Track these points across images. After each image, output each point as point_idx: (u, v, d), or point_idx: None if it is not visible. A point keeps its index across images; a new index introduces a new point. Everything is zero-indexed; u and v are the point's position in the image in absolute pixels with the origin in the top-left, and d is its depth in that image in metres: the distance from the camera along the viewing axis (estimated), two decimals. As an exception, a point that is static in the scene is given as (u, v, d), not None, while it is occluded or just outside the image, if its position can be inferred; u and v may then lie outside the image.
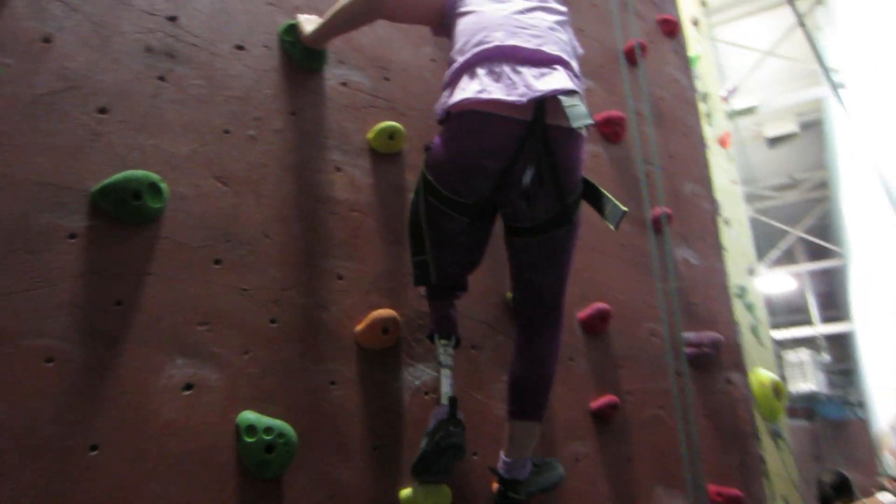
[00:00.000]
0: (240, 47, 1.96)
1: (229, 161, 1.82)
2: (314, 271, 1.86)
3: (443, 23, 1.89)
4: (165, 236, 1.65)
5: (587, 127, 1.63)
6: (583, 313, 2.36)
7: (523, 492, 1.80)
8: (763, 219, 14.49)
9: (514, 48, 1.66)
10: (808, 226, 14.57)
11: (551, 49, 1.69)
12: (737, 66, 10.58)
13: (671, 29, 3.42)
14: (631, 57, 3.01)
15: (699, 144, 3.21)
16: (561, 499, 2.09)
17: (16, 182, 1.49)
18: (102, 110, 1.66)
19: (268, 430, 1.59)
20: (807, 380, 12.61)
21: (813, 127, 12.78)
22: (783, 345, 13.34)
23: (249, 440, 1.57)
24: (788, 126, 12.00)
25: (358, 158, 2.08)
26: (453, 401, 1.70)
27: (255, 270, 1.76)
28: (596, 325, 2.35)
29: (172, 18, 1.86)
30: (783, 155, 13.25)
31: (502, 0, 1.78)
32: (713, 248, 2.97)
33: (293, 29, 2.05)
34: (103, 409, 1.45)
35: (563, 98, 1.58)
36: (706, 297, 2.81)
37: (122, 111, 1.69)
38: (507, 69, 1.63)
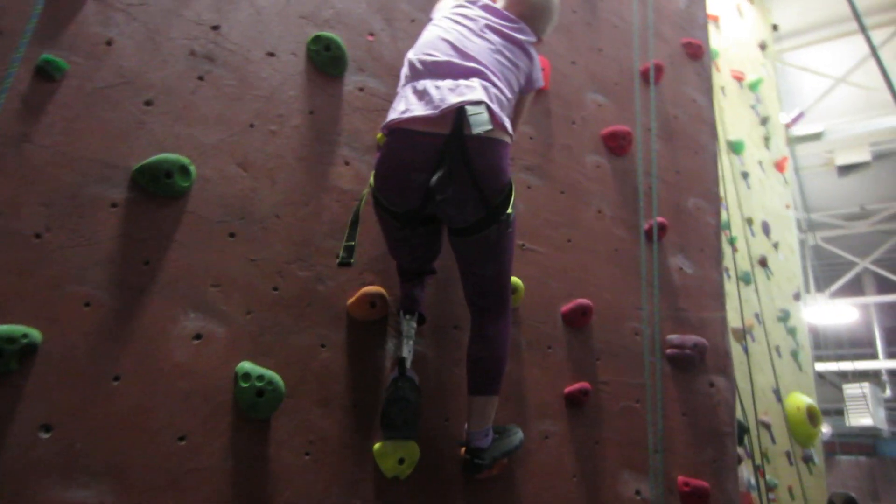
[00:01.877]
0: (271, 54, 2.27)
1: (251, 151, 2.13)
2: (315, 249, 2.15)
3: None
4: (190, 210, 1.97)
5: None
6: (565, 307, 2.56)
7: (487, 457, 2.04)
8: (828, 247, 14.01)
9: (435, 63, 1.87)
10: (878, 258, 14.00)
11: (472, 63, 1.87)
12: (806, 92, 10.34)
13: (695, 52, 3.56)
14: (646, 76, 3.18)
15: (711, 162, 3.34)
16: (528, 471, 2.31)
17: (74, 158, 1.84)
18: (148, 102, 2.00)
19: (260, 377, 1.88)
20: (867, 415, 12.10)
21: (887, 157, 12.30)
22: (844, 377, 12.86)
23: (244, 385, 1.87)
24: (860, 155, 11.59)
25: (366, 155, 2.36)
26: (402, 360, 1.98)
27: (264, 245, 2.06)
28: (577, 319, 2.55)
29: (215, 27, 2.19)
30: (854, 184, 12.79)
31: (457, 20, 2.02)
32: (712, 260, 3.11)
33: (319, 39, 2.34)
34: (126, 348, 1.78)
35: (468, 108, 1.74)
36: (698, 304, 2.95)
37: (164, 104, 2.02)
38: (428, 84, 1.84)
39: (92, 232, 1.81)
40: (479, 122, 1.72)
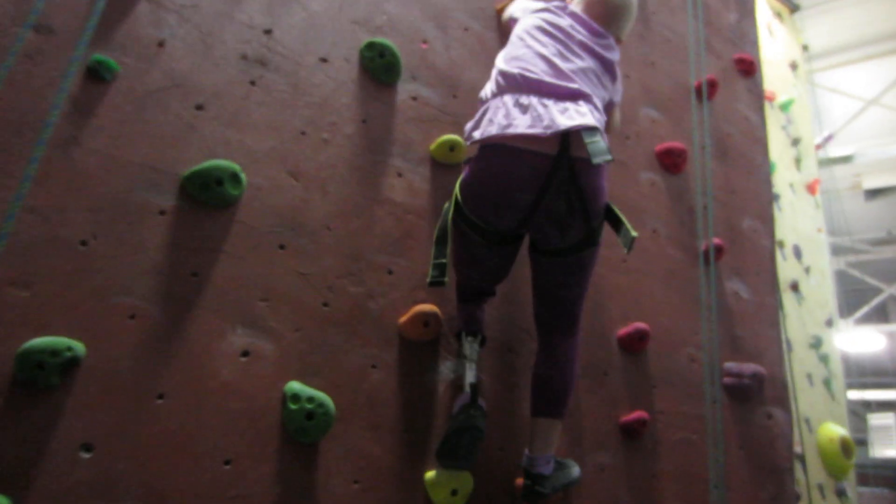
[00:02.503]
0: (323, 59, 2.19)
1: (302, 159, 2.04)
2: (367, 264, 2.05)
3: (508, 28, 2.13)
4: (239, 220, 1.88)
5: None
6: (622, 331, 2.44)
7: (548, 486, 1.91)
8: (855, 273, 13.75)
9: (538, 81, 1.80)
10: (904, 284, 13.72)
11: (576, 84, 1.81)
12: (837, 114, 10.19)
13: (747, 68, 3.44)
14: (699, 92, 3.07)
15: (765, 182, 3.21)
16: (583, 503, 2.17)
17: (123, 163, 1.76)
18: (199, 107, 1.91)
19: (310, 399, 1.77)
20: (892, 446, 11.79)
21: (917, 183, 12.10)
22: (869, 406, 12.56)
23: (293, 407, 1.76)
24: (889, 179, 11.42)
25: (419, 166, 2.26)
26: (474, 387, 1.86)
27: (315, 258, 1.96)
28: (633, 344, 2.43)
29: (268, 31, 2.11)
30: (882, 208, 12.57)
31: (552, 34, 1.94)
32: (767, 285, 2.97)
33: (373, 45, 2.25)
34: (172, 364, 1.68)
35: (584, 134, 1.70)
36: (753, 331, 2.81)
37: (215, 108, 1.94)
38: (534, 101, 1.77)
39: (139, 240, 1.72)
40: (599, 151, 1.66)
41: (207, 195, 1.82)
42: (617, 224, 1.88)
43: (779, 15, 7.21)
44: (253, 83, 2.03)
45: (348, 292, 1.99)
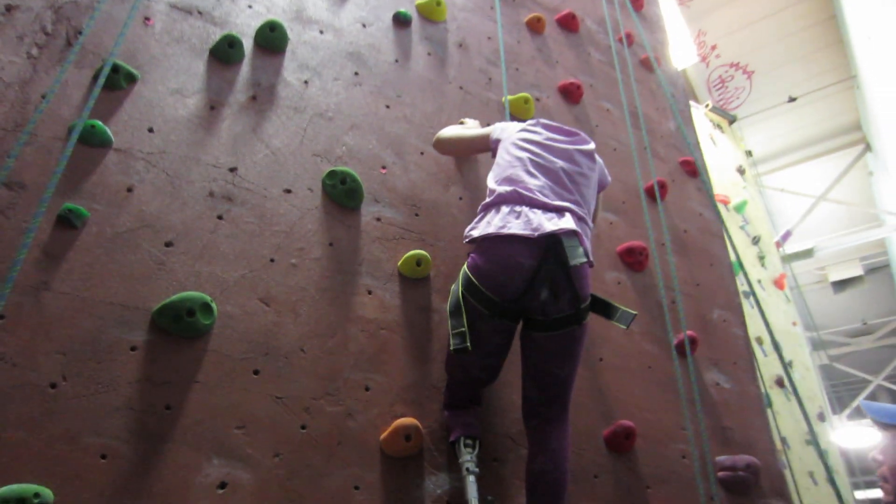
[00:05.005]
0: (288, 190, 2.29)
1: (272, 285, 2.08)
2: (344, 382, 2.04)
3: (493, 151, 2.37)
4: (212, 349, 1.88)
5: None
6: (607, 431, 2.40)
7: None
8: (837, 366, 13.79)
9: (532, 199, 2.05)
10: (890, 374, 13.76)
11: (563, 201, 2.08)
12: (791, 212, 10.71)
13: (692, 169, 3.67)
14: (651, 193, 3.24)
15: (727, 274, 3.32)
16: None
17: (93, 304, 1.78)
18: (168, 244, 1.97)
19: (292, 528, 1.70)
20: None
21: (879, 270, 12.52)
22: (867, 505, 12.11)
23: (275, 538, 1.68)
24: (852, 270, 11.81)
25: (388, 283, 2.31)
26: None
27: (290, 380, 1.95)
28: (621, 443, 2.38)
29: (233, 169, 2.22)
30: (853, 300, 12.89)
31: (532, 153, 2.18)
32: (747, 373, 2.99)
33: (334, 174, 2.38)
34: (146, 502, 1.61)
35: (564, 238, 1.94)
36: (741, 421, 2.79)
37: (184, 244, 2.00)
38: (525, 209, 2.03)
39: (110, 378, 1.71)
40: (575, 255, 1.91)
41: (179, 327, 1.83)
42: (607, 309, 2.09)
43: (719, 126, 7.77)
44: (220, 217, 2.11)
45: (326, 413, 1.96)
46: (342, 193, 2.36)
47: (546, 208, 2.04)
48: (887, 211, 10.37)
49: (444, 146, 2.58)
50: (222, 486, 1.71)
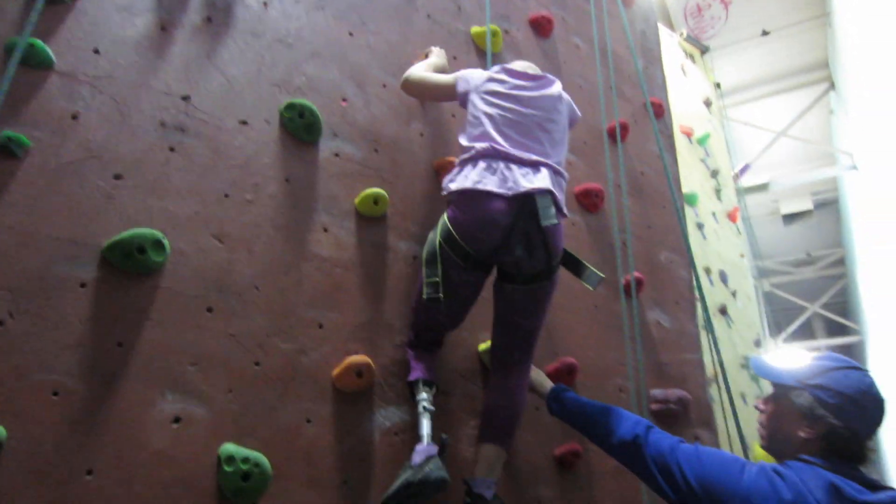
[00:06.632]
0: (244, 122, 2.23)
1: (227, 221, 2.06)
2: (297, 320, 2.07)
3: (461, 102, 2.37)
4: (165, 286, 1.88)
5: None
6: (551, 366, 2.52)
7: None
8: (779, 293, 14.51)
9: (507, 153, 2.09)
10: (826, 302, 14.55)
11: (537, 155, 2.12)
12: (751, 146, 10.87)
13: (657, 111, 3.67)
14: (613, 135, 3.26)
15: (678, 216, 3.40)
16: (525, 542, 2.21)
17: (39, 238, 1.74)
18: (118, 176, 1.92)
19: (245, 460, 1.77)
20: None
21: (828, 206, 12.97)
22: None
23: (228, 469, 1.75)
24: (803, 204, 12.22)
25: (344, 220, 2.32)
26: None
27: (244, 318, 1.98)
28: (562, 378, 2.51)
29: (186, 98, 2.14)
30: (800, 232, 13.41)
31: (501, 107, 2.18)
32: (687, 313, 3.13)
33: (293, 106, 2.32)
34: (100, 438, 1.65)
35: (538, 198, 2.00)
36: (677, 357, 2.95)
37: (134, 177, 1.95)
38: (501, 166, 2.07)
39: (60, 315, 1.70)
40: (547, 216, 1.98)
41: (130, 264, 1.82)
42: (577, 267, 2.21)
43: (691, 56, 7.71)
44: (172, 149, 2.05)
45: (280, 349, 2.01)
46: (300, 127, 2.31)
47: (522, 163, 2.09)
48: (843, 150, 10.62)
49: (410, 88, 2.52)
50: (176, 420, 1.76)
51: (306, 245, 2.19)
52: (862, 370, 1.48)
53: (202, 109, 2.16)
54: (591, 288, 2.21)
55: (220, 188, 2.10)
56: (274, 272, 2.09)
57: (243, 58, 2.32)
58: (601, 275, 2.18)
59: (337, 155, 2.41)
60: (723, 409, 4.11)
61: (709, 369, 4.44)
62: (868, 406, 1.43)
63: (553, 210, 2.02)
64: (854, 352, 15.60)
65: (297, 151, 2.31)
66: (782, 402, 1.53)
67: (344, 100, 2.51)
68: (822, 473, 1.37)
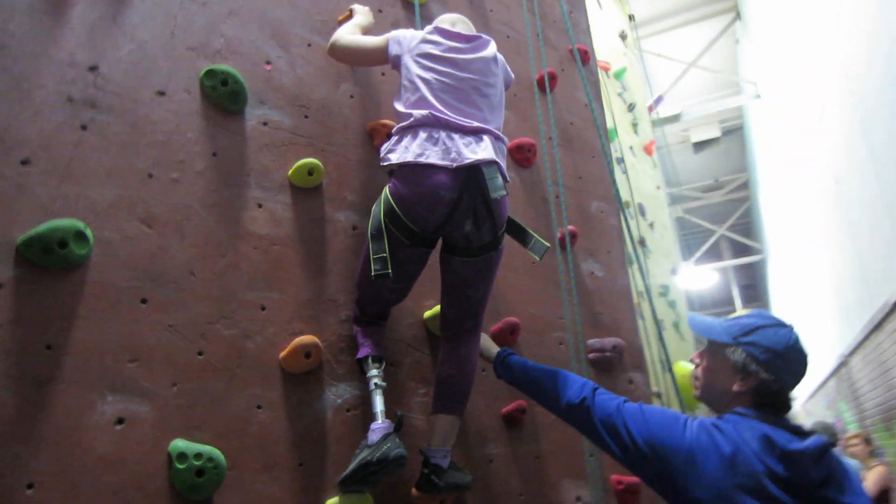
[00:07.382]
0: (161, 93, 2.07)
1: (153, 204, 1.93)
2: (239, 303, 2.00)
3: (393, 65, 2.26)
4: (92, 280, 1.76)
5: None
6: (494, 327, 2.56)
7: (443, 479, 2.00)
8: (690, 218, 15.33)
9: (448, 121, 2.03)
10: (732, 224, 15.50)
11: (478, 122, 2.08)
12: (665, 78, 11.15)
13: (583, 57, 3.65)
14: (543, 86, 3.23)
15: (607, 165, 3.45)
16: (478, 497, 2.29)
17: (-57, 236, 1.58)
18: (25, 162, 1.75)
19: (197, 455, 1.72)
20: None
21: (735, 132, 13.63)
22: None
23: (181, 466, 1.70)
24: (712, 132, 12.80)
25: (278, 194, 2.22)
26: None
27: (182, 307, 1.88)
28: (506, 338, 2.56)
29: (94, 68, 1.95)
30: (708, 159, 14.09)
31: (437, 70, 2.10)
32: (618, 262, 3.22)
33: (213, 73, 2.16)
34: (38, 449, 1.55)
35: (484, 170, 1.98)
36: (611, 306, 3.05)
37: (44, 162, 1.78)
38: (443, 135, 2.02)
39: (-22, 321, 1.57)
40: (495, 187, 1.96)
41: (51, 259, 1.68)
42: (522, 235, 2.20)
43: (606, -12, 7.68)
44: (84, 127, 1.88)
45: (223, 336, 1.93)
46: (224, 96, 2.17)
47: (463, 131, 2.04)
48: (748, 80, 11.07)
49: (338, 55, 2.37)
50: (120, 421, 1.68)
51: (241, 223, 2.09)
52: (788, 326, 1.57)
53: (113, 81, 1.98)
54: (537, 258, 2.19)
55: (143, 168, 1.95)
56: (209, 255, 1.99)
57: (154, 20, 2.13)
58: (546, 244, 2.17)
59: (265, 124, 2.28)
60: (646, 334, 4.36)
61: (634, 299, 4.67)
62: (795, 360, 1.53)
63: (500, 181, 2.00)
64: (756, 268, 16.81)
65: (223, 122, 2.18)
66: (717, 357, 1.61)
67: (268, 63, 2.36)
68: (755, 425, 1.46)
